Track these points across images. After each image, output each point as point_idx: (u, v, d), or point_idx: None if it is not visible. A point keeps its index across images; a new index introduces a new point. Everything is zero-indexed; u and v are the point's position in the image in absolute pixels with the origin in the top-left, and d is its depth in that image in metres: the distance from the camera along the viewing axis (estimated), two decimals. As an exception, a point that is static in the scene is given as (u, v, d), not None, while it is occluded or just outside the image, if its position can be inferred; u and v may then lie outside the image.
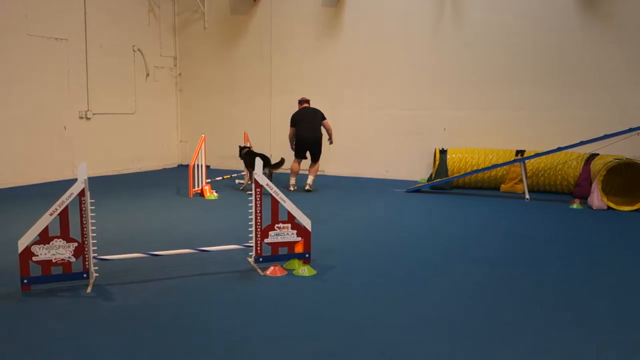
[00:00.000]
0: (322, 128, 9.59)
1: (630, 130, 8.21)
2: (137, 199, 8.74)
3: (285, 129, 11.65)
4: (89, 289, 4.36)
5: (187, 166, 9.39)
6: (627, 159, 8.24)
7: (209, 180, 9.72)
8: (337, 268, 5.05)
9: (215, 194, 8.89)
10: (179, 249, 5.18)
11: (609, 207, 8.09)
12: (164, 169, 12.96)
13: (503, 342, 3.50)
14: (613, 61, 9.63)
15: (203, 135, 9.45)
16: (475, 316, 3.93)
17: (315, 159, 9.66)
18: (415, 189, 9.73)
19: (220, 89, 13.01)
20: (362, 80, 11.47)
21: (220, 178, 10.68)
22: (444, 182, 9.73)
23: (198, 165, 9.09)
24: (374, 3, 11.27)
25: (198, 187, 9.06)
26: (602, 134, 8.43)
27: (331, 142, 9.83)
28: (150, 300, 4.18)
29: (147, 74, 12.65)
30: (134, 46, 12.21)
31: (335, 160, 11.74)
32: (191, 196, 8.83)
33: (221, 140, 12.43)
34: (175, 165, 13.50)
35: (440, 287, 4.58)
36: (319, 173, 10.43)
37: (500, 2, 10.31)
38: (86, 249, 4.41)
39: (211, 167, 12.39)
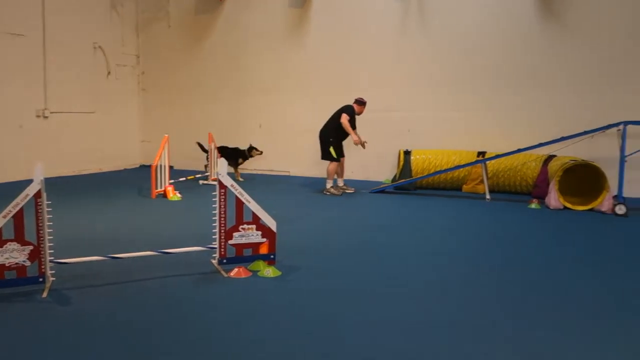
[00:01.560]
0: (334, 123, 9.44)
1: (586, 132, 8.45)
2: (97, 200, 8.57)
3: (252, 129, 11.72)
4: (44, 294, 4.24)
5: (149, 167, 9.25)
6: (582, 160, 8.51)
7: (173, 181, 9.59)
8: (303, 269, 5.05)
9: (179, 195, 8.78)
10: (141, 251, 5.08)
11: (565, 207, 8.32)
12: (125, 170, 12.74)
13: (468, 341, 3.56)
14: (571, 65, 9.89)
15: (166, 135, 9.32)
16: (439, 315, 3.99)
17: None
18: (380, 190, 9.81)
19: (184, 88, 12.86)
20: (329, 81, 11.51)
21: (184, 179, 10.57)
22: (408, 183, 9.84)
23: (161, 166, 8.96)
24: (340, 5, 11.33)
25: (161, 188, 8.94)
26: (559, 136, 8.65)
27: (357, 143, 9.38)
28: (109, 305, 4.10)
29: (109, 72, 12.41)
30: (94, 43, 11.97)
31: (303, 161, 11.74)
32: (154, 197, 8.70)
33: (185, 141, 12.31)
34: (137, 166, 13.28)
35: (405, 287, 4.62)
36: (284, 173, 10.44)
37: (465, 4, 10.49)
38: (42, 253, 4.29)
39: (175, 168, 12.24)
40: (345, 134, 9.38)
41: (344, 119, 9.20)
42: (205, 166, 10.88)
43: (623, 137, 8.08)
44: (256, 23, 12.03)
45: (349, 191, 9.58)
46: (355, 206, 8.49)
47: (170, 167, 9.75)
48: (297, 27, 11.67)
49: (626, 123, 8.08)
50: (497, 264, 5.40)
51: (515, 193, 9.75)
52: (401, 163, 10.27)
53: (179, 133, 12.40)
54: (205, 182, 10.39)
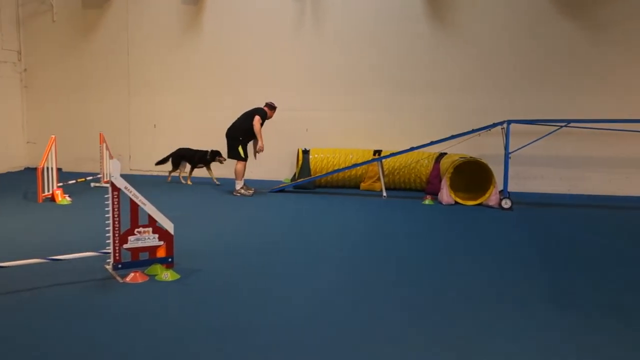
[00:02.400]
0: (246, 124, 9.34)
1: (473, 131, 8.95)
2: (-24, 206, 7.91)
3: (146, 129, 11.32)
4: None
5: (35, 169, 8.66)
6: (471, 157, 9.05)
7: (61, 184, 9.05)
8: (203, 271, 4.95)
9: (68, 199, 8.31)
10: (26, 259, 4.73)
11: (456, 202, 8.78)
12: (9, 173, 11.84)
13: (364, 335, 3.65)
14: (460, 68, 10.47)
15: (53, 136, 8.78)
16: (340, 315, 4.06)
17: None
18: (279, 189, 9.84)
19: (72, 86, 12.14)
20: (224, 79, 11.34)
21: (74, 181, 9.99)
22: (307, 182, 9.94)
23: (48, 168, 8.43)
24: (235, 3, 11.21)
25: (48, 191, 8.41)
26: (449, 135, 9.09)
27: (261, 150, 9.35)
28: (-7, 317, 3.80)
29: (-14, 69, 11.48)
30: (-31, 37, 11.03)
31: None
32: (40, 201, 8.17)
33: (75, 141, 11.65)
34: (22, 169, 12.39)
35: (305, 287, 4.67)
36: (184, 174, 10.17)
37: (360, 4, 10.75)
38: None
39: (64, 170, 11.54)
40: (253, 136, 9.31)
41: (257, 122, 9.15)
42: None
43: (507, 135, 8.65)
44: (147, 18, 11.60)
45: (247, 192, 9.39)
46: (255, 206, 8.45)
47: (59, 170, 9.17)
48: (191, 25, 11.40)
49: (509, 122, 8.65)
50: (392, 258, 5.60)
51: (410, 190, 10.13)
52: (300, 162, 10.35)
53: (68, 133, 11.70)
54: (98, 184, 9.90)
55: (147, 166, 11.50)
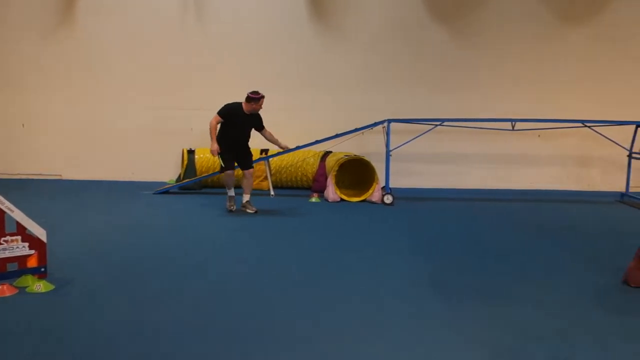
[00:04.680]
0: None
1: (357, 130, 9.22)
2: None
3: (14, 128, 10.50)
4: None
5: None
6: (355, 155, 9.32)
7: None
8: (79, 280, 4.66)
9: None
10: None
11: (341, 199, 9.00)
12: None
13: (262, 339, 3.63)
14: (343, 68, 10.76)
15: None
16: (222, 317, 4.00)
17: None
18: (164, 191, 9.52)
19: None
20: (105, 77, 10.75)
21: None
22: (193, 182, 9.72)
23: None
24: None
25: None
26: (334, 134, 9.29)
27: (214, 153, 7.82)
28: None
29: None
30: None
31: (76, 162, 10.80)
32: None
33: None
34: None
35: (192, 288, 4.55)
36: (56, 177, 9.49)
37: (246, 6, 10.69)
38: None
39: None
40: (239, 138, 7.88)
41: (212, 119, 7.73)
42: None
43: (387, 133, 9.00)
44: (14, 10, 10.68)
45: (249, 211, 7.88)
46: (139, 209, 8.12)
47: None
48: (65, 17, 10.68)
49: (389, 121, 9.01)
50: (276, 255, 5.62)
51: (297, 188, 10.23)
52: (185, 162, 10.09)
53: None
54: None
55: (14, 168, 10.65)
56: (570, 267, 5.46)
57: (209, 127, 7.74)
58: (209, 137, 7.76)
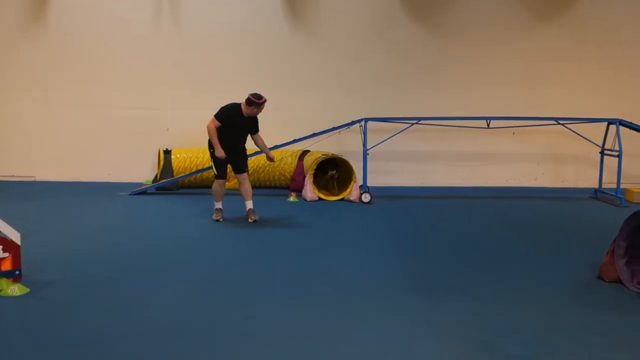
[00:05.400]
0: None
1: (334, 129, 9.25)
2: None
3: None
4: None
5: None
6: (332, 154, 9.33)
7: None
8: (55, 283, 4.59)
9: None
10: None
11: (320, 198, 9.01)
12: None
13: (249, 338, 3.62)
14: (319, 67, 10.77)
15: None
16: (199, 316, 3.99)
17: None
18: (141, 191, 9.42)
19: None
20: (79, 77, 10.56)
21: None
22: (170, 183, 9.63)
23: None
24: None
25: None
26: (311, 133, 9.30)
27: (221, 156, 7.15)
28: None
29: None
30: None
31: (51, 164, 10.60)
32: None
33: None
34: None
35: (166, 289, 4.52)
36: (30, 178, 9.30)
37: (219, 5, 10.61)
38: None
39: None
40: (236, 142, 7.28)
41: (210, 123, 7.05)
42: None
43: (364, 132, 9.04)
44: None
45: (250, 220, 7.30)
46: (115, 210, 8.03)
47: None
48: (38, 17, 10.48)
49: (366, 120, 9.06)
50: (258, 254, 5.62)
51: (275, 187, 10.21)
52: (162, 163, 9.99)
53: None
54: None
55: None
56: (546, 263, 5.56)
57: (207, 132, 7.05)
58: (209, 139, 7.14)
